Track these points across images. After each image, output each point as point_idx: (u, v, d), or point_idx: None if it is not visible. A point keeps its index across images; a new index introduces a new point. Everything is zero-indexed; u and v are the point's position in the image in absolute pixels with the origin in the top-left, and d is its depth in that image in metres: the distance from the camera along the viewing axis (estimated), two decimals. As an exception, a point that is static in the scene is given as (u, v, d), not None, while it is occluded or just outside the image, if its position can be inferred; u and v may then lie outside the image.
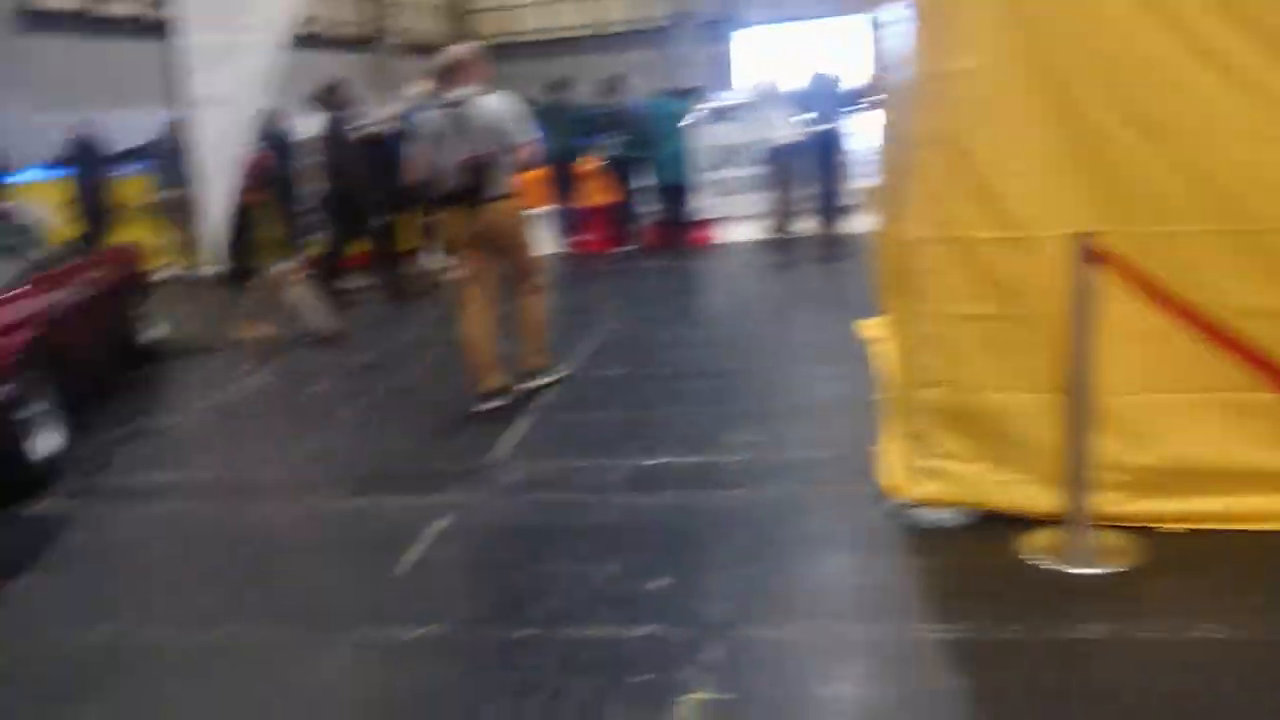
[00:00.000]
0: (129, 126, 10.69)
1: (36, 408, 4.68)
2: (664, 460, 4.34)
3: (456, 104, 5.06)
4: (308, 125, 8.58)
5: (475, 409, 5.16)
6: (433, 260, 9.15)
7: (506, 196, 5.15)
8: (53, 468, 4.71)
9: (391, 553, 3.63)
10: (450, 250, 5.58)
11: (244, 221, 9.12)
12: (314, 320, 7.12)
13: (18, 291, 5.07)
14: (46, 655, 3.20)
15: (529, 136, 5.23)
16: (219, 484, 4.57)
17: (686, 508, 3.88)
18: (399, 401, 5.77)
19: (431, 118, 5.20)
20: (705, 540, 3.63)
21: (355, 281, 8.78)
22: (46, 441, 4.74)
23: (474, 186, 5.03)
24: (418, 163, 5.31)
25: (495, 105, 5.10)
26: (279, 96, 8.39)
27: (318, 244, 9.45)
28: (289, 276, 7.30)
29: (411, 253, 9.06)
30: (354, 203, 8.29)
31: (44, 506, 4.42)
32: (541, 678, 2.80)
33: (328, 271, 8.39)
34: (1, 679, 3.09)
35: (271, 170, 9.32)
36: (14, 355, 4.55)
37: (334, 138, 8.22)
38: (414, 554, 3.63)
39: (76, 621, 3.37)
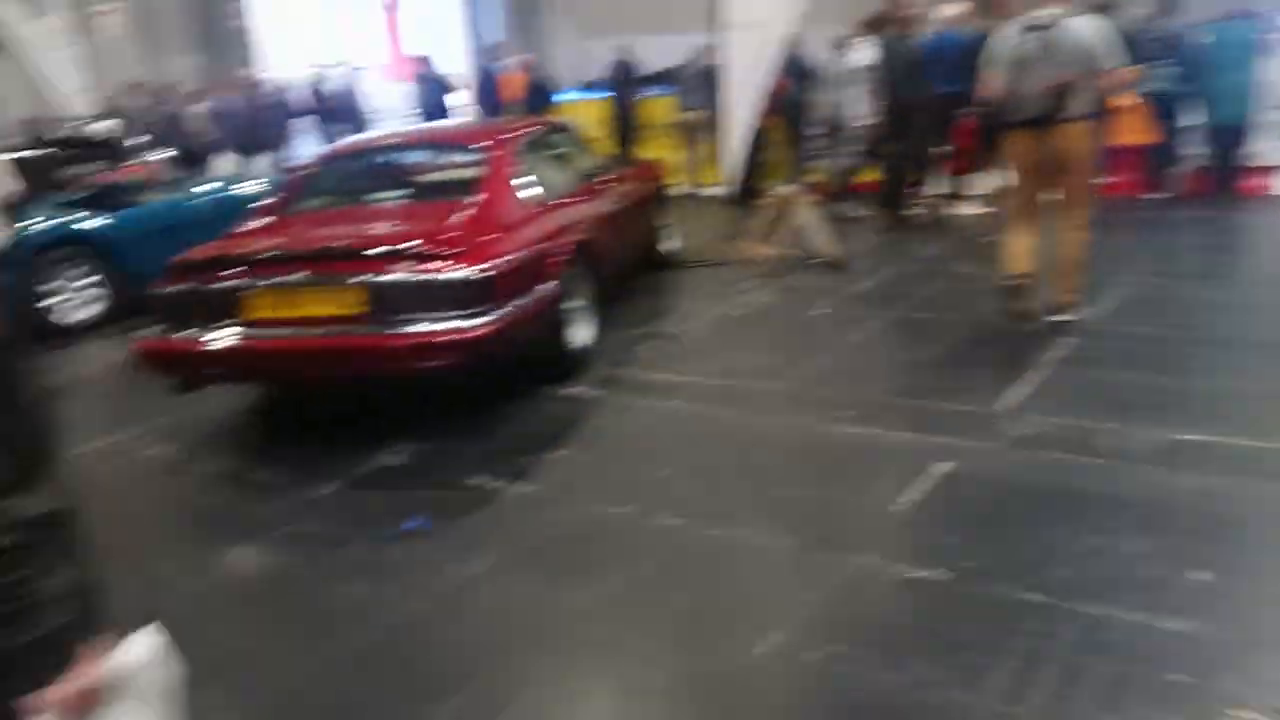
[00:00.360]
0: (662, 51, 11.46)
1: (575, 303, 5.21)
2: (1203, 436, 3.80)
3: (1045, 26, 4.88)
4: (858, 53, 8.50)
5: (1021, 325, 5.18)
6: (939, 192, 8.85)
7: (1083, 119, 4.95)
8: (584, 358, 5.24)
9: (891, 488, 3.57)
10: (1006, 172, 5.44)
11: (757, 144, 9.48)
12: (819, 244, 7.19)
13: (570, 198, 5.65)
14: (579, 525, 3.57)
15: (1117, 61, 4.92)
16: (724, 391, 4.79)
17: (1231, 494, 3.36)
18: (901, 333, 5.65)
19: (1013, 39, 5.04)
20: (1257, 536, 3.13)
21: (861, 209, 8.75)
22: (580, 333, 5.27)
23: (1053, 111, 4.89)
24: (992, 86, 5.16)
25: (1085, 28, 4.86)
26: (803, 22, 8.50)
27: (823, 170, 9.55)
28: (797, 199, 7.41)
29: (917, 183, 8.80)
30: (904, 129, 8.14)
31: (575, 391, 4.93)
32: (1054, 650, 2.59)
33: (889, 196, 8.39)
34: (546, 540, 3.50)
35: (787, 95, 9.53)
36: (565, 256, 5.07)
37: (889, 64, 8.09)
38: (914, 493, 3.53)
39: (601, 498, 3.72)
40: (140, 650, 1.31)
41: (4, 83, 11.91)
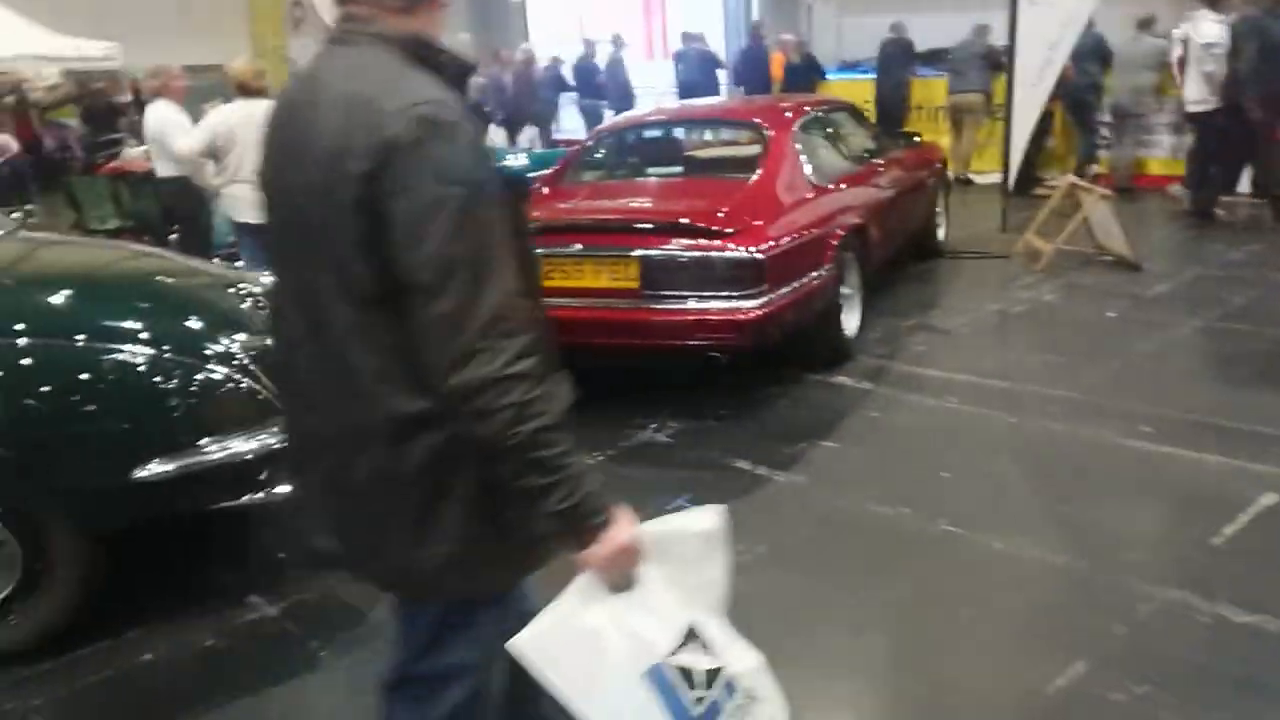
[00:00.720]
0: (935, 30, 10.95)
1: (845, 289, 5.04)
2: None
3: None
4: (1202, 29, 7.76)
5: None
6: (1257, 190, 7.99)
7: None
8: (850, 346, 5.06)
9: (1208, 517, 3.21)
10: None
11: (1040, 130, 8.88)
12: (1108, 240, 6.64)
13: (848, 179, 5.46)
14: (850, 522, 3.43)
15: None
16: (1003, 393, 4.48)
17: None
18: (1207, 344, 5.13)
19: None
20: None
21: (1176, 200, 8.03)
22: (848, 321, 5.09)
23: None
24: None
25: None
26: (1101, 2, 7.84)
27: (1111, 160, 8.84)
28: (1085, 191, 6.86)
29: (1232, 179, 7.97)
30: (1237, 118, 7.36)
31: (842, 380, 4.77)
32: None
33: (1206, 195, 7.72)
34: (815, 535, 3.38)
35: (1075, 80, 8.86)
36: (840, 240, 4.90)
37: (1237, 44, 7.30)
38: (1233, 526, 3.16)
39: (873, 496, 3.56)
40: (689, 521, 1.47)
41: (305, 55, 12.89)
